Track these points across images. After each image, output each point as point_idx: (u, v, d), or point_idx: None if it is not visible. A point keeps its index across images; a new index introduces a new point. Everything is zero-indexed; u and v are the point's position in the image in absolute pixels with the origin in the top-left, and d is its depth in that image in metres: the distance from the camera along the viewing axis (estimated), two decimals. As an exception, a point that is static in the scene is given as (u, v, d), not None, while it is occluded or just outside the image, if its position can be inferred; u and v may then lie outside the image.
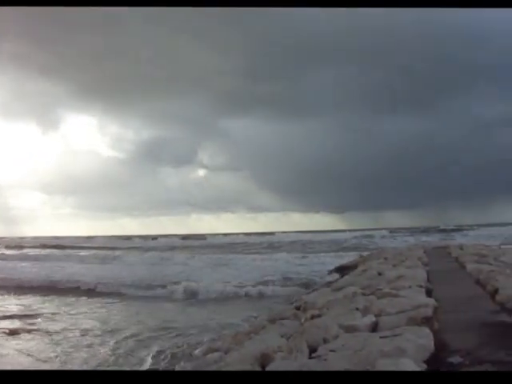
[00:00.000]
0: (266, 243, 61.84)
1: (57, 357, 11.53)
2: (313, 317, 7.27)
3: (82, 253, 48.21)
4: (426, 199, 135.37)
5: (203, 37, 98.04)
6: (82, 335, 13.71)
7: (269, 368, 5.00)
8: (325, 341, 5.64)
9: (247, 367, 5.21)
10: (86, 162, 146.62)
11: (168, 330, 13.85)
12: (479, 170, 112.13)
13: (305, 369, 4.60)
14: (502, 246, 23.73)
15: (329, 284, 14.33)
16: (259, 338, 7.02)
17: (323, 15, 66.54)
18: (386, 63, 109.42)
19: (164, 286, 22.56)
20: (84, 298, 21.38)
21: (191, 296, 20.73)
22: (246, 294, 20.37)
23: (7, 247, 61.22)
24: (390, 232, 69.52)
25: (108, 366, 10.52)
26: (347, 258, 26.83)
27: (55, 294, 22.50)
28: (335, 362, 4.65)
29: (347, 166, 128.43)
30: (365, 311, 6.82)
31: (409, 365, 4.15)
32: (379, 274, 11.71)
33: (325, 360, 4.78)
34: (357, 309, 7.07)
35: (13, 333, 14.01)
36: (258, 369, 5.20)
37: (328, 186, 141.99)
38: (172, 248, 56.89)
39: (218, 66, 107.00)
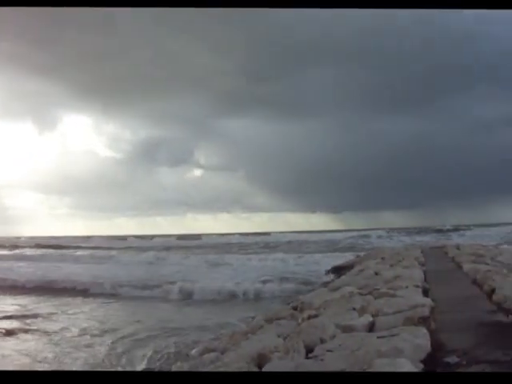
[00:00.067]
0: (262, 243, 61.85)
1: (54, 357, 11.51)
2: (310, 317, 7.25)
3: (79, 253, 48.12)
4: (422, 199, 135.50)
5: (200, 37, 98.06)
6: (79, 335, 13.69)
7: (265, 368, 4.98)
8: (322, 341, 5.63)
9: (244, 367, 5.20)
10: (82, 161, 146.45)
11: (164, 329, 13.84)
12: (476, 171, 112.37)
13: (302, 369, 4.59)
14: (498, 246, 23.76)
15: (326, 284, 14.33)
16: (256, 338, 7.01)
17: (323, 15, 66.64)
18: (386, 63, 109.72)
19: (160, 286, 22.56)
20: (80, 297, 21.38)
21: (187, 296, 20.72)
22: (243, 294, 20.37)
23: (3, 247, 61.08)
24: (387, 232, 69.47)
25: (104, 367, 10.50)
26: (344, 258, 26.82)
27: (51, 293, 22.47)
28: (332, 362, 4.64)
29: (344, 166, 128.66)
30: (362, 311, 6.81)
31: (406, 365, 4.15)
32: (376, 273, 11.72)
33: (322, 360, 4.77)
34: (354, 309, 7.07)
35: (9, 333, 13.98)
36: (254, 369, 5.19)
37: (324, 186, 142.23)
38: (168, 248, 56.84)
39: (216, 66, 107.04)
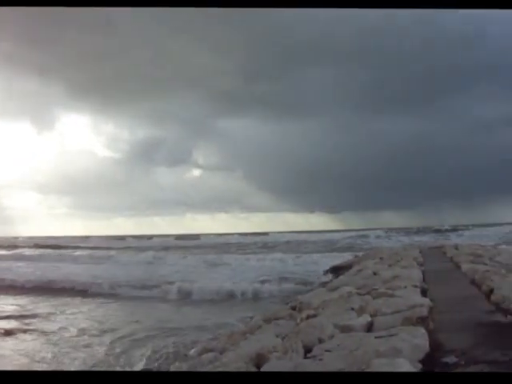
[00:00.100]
0: (261, 243, 61.83)
1: (53, 357, 11.51)
2: (308, 317, 7.26)
3: (77, 253, 48.06)
4: (421, 199, 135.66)
5: (199, 37, 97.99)
6: (77, 335, 13.69)
7: (264, 368, 4.98)
8: (320, 341, 5.63)
9: (242, 367, 5.20)
10: (81, 161, 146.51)
11: (163, 330, 13.84)
12: (475, 171, 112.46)
13: (300, 369, 4.59)
14: (497, 246, 23.76)
15: (324, 284, 14.33)
16: (254, 338, 7.01)
17: (323, 15, 66.59)
18: (386, 63, 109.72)
19: (158, 286, 22.56)
20: (79, 298, 21.35)
21: (185, 296, 20.71)
22: (241, 295, 20.36)
23: (1, 247, 61.00)
24: (385, 232, 69.46)
25: (103, 367, 10.50)
26: (342, 258, 26.83)
27: (50, 294, 22.45)
28: (330, 361, 4.64)
29: (342, 166, 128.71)
30: (360, 311, 6.81)
31: (404, 365, 4.15)
32: (374, 273, 11.72)
33: (320, 360, 4.78)
34: (352, 309, 7.07)
35: (8, 333, 13.98)
36: (253, 369, 5.19)
37: (323, 186, 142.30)
38: (166, 248, 56.82)
39: (214, 66, 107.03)
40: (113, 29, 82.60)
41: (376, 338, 5.15)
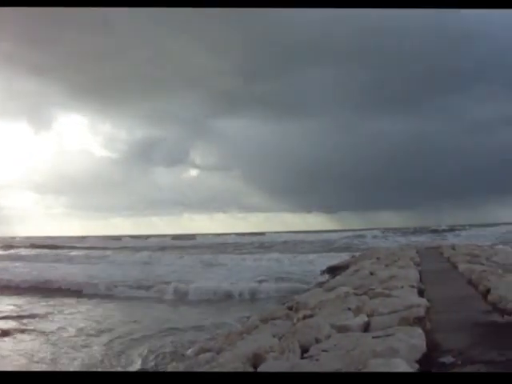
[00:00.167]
0: (257, 243, 61.88)
1: (49, 358, 11.49)
2: (305, 317, 7.25)
3: (74, 253, 48.06)
4: (418, 199, 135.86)
5: (198, 37, 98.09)
6: (74, 336, 13.67)
7: (261, 368, 4.98)
8: (317, 341, 5.63)
9: (239, 367, 5.19)
10: (78, 161, 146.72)
11: (160, 330, 13.82)
12: (473, 171, 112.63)
13: (297, 369, 4.59)
14: (494, 246, 23.78)
15: (321, 284, 14.32)
16: (251, 338, 7.00)
17: (322, 16, 66.64)
18: (386, 63, 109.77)
19: (155, 286, 22.54)
20: (75, 298, 21.31)
21: (182, 296, 20.70)
22: (238, 295, 20.34)
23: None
24: (382, 232, 69.55)
25: (100, 367, 10.49)
26: (339, 258, 26.84)
27: (46, 294, 22.41)
28: (327, 362, 4.63)
29: (340, 166, 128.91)
30: (357, 311, 6.81)
31: (401, 365, 4.14)
32: (371, 273, 11.72)
33: (317, 360, 4.77)
34: (349, 309, 7.06)
35: (5, 333, 13.95)
36: (249, 369, 5.18)
37: (321, 186, 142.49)
38: (163, 248, 56.85)
39: (213, 66, 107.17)
40: (110, 29, 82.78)
41: (373, 338, 5.14)
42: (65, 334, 13.91)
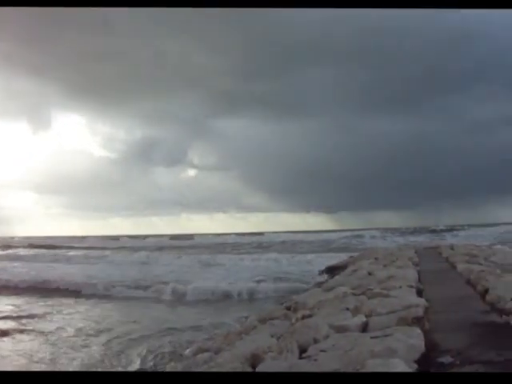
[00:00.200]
0: (256, 243, 61.85)
1: (49, 357, 11.48)
2: (303, 317, 7.25)
3: (72, 253, 48.02)
4: (417, 199, 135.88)
5: (198, 37, 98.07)
6: (73, 336, 13.65)
7: (259, 368, 4.98)
8: (315, 341, 5.63)
9: (238, 367, 5.19)
10: (77, 161, 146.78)
11: (158, 330, 13.81)
12: (470, 171, 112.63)
13: (295, 369, 4.59)
14: (492, 246, 23.79)
15: (319, 284, 14.32)
16: (250, 338, 7.00)
17: (322, 16, 66.62)
18: (386, 63, 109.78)
19: (153, 286, 22.52)
20: (74, 298, 21.29)
21: (180, 296, 20.68)
22: (237, 295, 20.33)
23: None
24: (381, 232, 69.55)
25: (98, 367, 10.49)
26: (337, 258, 26.81)
27: (45, 294, 22.39)
28: (325, 362, 4.63)
29: (339, 166, 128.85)
30: (355, 311, 6.81)
31: (399, 365, 4.14)
32: (370, 274, 11.72)
33: (315, 360, 4.77)
34: (347, 309, 7.06)
35: (4, 333, 13.94)
36: (248, 369, 5.18)
37: (319, 187, 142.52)
38: (161, 248, 56.84)
39: (212, 66, 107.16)
40: (111, 29, 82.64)
41: (371, 338, 5.14)
42: (64, 333, 13.90)
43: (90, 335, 13.60)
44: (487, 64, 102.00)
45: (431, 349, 4.94)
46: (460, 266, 11.62)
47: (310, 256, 33.91)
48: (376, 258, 16.68)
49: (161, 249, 55.22)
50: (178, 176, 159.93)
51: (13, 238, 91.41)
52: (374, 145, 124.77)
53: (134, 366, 10.38)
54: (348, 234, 69.01)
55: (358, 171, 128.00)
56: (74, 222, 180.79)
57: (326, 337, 5.71)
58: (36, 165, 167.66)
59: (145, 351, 11.46)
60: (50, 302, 20.17)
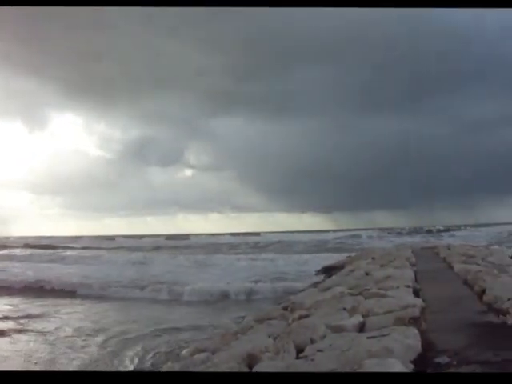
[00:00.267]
0: (252, 243, 61.86)
1: (46, 358, 11.47)
2: (300, 317, 7.25)
3: (68, 253, 47.94)
4: (413, 200, 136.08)
5: (192, 36, 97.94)
6: (71, 335, 13.64)
7: (256, 368, 4.97)
8: (312, 341, 5.62)
9: (234, 367, 5.18)
10: (73, 161, 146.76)
11: (155, 329, 13.81)
12: (468, 171, 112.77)
13: (292, 369, 4.58)
14: (489, 247, 23.82)
15: (316, 284, 14.31)
16: (246, 338, 6.99)
17: (322, 15, 66.64)
18: (385, 63, 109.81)
19: (149, 286, 22.50)
20: (70, 298, 21.27)
21: (177, 296, 20.67)
22: (235, 295, 20.32)
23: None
24: (378, 232, 69.64)
25: (95, 367, 10.48)
26: (333, 258, 26.82)
27: (41, 294, 22.38)
28: (322, 362, 4.63)
29: (335, 166, 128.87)
30: (352, 311, 6.80)
31: (396, 365, 4.14)
32: (367, 274, 11.71)
33: (312, 360, 4.76)
34: (344, 309, 7.06)
35: (0, 333, 13.93)
36: (245, 369, 5.17)
37: (316, 187, 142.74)
38: (156, 248, 56.83)
39: (208, 66, 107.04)
40: (106, 29, 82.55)
41: (368, 338, 5.13)
42: (61, 333, 13.88)
43: (87, 335, 13.59)
44: (487, 64, 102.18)
45: (428, 349, 4.94)
46: (457, 266, 11.61)
47: (306, 256, 33.90)
48: (373, 258, 16.68)
49: (157, 249, 55.22)
50: (173, 176, 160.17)
51: (8, 237, 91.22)
52: (372, 145, 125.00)
53: (131, 366, 10.37)
54: (345, 234, 69.11)
55: (356, 171, 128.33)
56: (69, 221, 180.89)
57: (323, 337, 5.70)
58: (32, 164, 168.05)
59: (142, 351, 11.45)
60: (46, 302, 20.17)
